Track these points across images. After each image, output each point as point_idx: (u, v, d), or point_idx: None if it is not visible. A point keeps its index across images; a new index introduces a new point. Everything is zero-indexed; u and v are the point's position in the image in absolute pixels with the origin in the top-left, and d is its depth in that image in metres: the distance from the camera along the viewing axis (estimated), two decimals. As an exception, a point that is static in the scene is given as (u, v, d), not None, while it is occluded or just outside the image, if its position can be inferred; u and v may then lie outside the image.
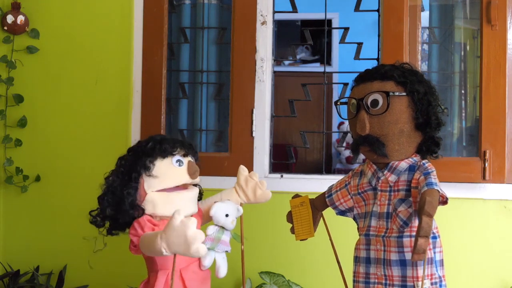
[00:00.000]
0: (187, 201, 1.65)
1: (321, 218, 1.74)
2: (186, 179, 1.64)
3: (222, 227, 1.66)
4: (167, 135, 1.71)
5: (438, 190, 1.37)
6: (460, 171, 2.23)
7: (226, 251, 1.68)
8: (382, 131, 1.47)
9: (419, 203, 1.35)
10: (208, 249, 1.63)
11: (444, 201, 1.40)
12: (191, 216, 1.65)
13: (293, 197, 1.75)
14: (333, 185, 1.71)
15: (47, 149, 2.50)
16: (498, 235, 2.23)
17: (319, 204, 1.73)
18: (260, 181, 1.76)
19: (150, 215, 1.62)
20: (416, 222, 1.44)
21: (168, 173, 1.62)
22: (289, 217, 1.74)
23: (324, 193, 1.72)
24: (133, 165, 1.62)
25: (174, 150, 1.63)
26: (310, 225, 1.70)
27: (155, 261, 1.64)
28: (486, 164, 2.20)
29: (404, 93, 1.47)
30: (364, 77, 1.55)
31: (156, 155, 1.61)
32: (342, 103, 1.61)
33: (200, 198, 1.79)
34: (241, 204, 1.73)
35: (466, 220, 2.24)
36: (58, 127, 2.50)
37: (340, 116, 1.66)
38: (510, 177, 2.21)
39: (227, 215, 1.65)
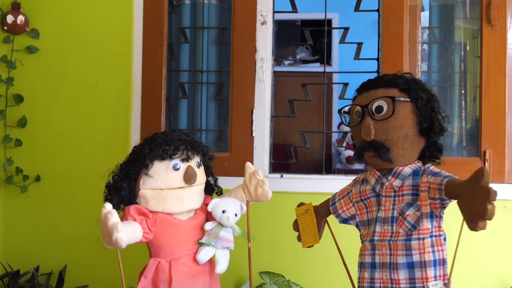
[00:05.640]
0: (182, 198, 1.66)
1: (326, 224, 1.76)
2: (180, 183, 1.65)
3: (221, 223, 1.68)
4: (177, 132, 1.71)
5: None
6: (460, 171, 2.21)
7: (229, 248, 1.69)
8: (387, 136, 1.49)
9: (454, 184, 1.43)
10: (203, 243, 1.66)
11: None
12: (195, 211, 1.72)
13: (298, 206, 1.77)
14: (336, 193, 1.73)
15: (47, 149, 2.51)
16: (498, 235, 2.23)
17: (323, 211, 1.75)
18: (262, 179, 1.74)
19: None
20: (424, 225, 1.47)
21: (163, 175, 1.64)
22: (295, 226, 1.77)
23: (327, 200, 1.74)
24: (135, 159, 1.66)
25: (174, 153, 1.64)
26: (315, 232, 1.71)
27: (149, 248, 1.70)
28: (486, 164, 2.20)
29: (408, 99, 1.50)
30: (367, 86, 1.57)
31: (155, 156, 1.63)
32: (345, 112, 1.61)
33: (219, 193, 1.84)
34: (247, 202, 1.73)
35: (466, 220, 2.23)
36: (58, 127, 2.50)
37: (345, 124, 1.66)
38: (510, 177, 2.21)
39: (223, 211, 1.67)
